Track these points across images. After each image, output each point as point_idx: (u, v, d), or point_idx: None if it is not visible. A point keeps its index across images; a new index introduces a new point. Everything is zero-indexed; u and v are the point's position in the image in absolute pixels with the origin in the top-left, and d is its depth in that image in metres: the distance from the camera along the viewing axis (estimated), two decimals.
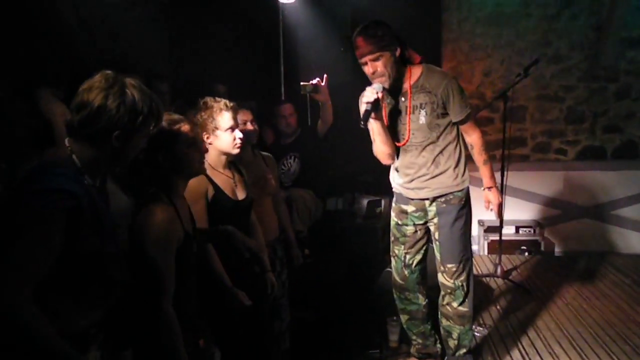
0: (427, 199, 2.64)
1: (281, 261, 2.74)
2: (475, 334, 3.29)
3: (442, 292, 2.73)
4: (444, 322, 2.77)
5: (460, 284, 2.67)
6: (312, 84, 3.41)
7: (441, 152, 2.59)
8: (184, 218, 1.76)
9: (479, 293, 3.94)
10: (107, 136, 1.37)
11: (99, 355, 1.43)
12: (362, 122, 2.41)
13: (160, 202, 1.67)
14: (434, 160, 2.59)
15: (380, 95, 2.41)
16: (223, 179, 2.28)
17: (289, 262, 2.89)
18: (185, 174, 1.81)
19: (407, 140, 2.59)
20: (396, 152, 2.66)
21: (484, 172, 2.73)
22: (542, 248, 4.85)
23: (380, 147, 2.62)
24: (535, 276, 4.32)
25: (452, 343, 2.76)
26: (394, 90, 2.55)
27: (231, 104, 2.25)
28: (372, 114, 2.43)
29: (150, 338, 1.59)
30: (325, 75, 3.46)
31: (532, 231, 4.87)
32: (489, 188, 2.75)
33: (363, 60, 2.42)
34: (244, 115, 2.59)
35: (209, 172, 2.22)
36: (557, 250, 5.01)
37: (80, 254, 1.32)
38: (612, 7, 4.66)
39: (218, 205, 2.21)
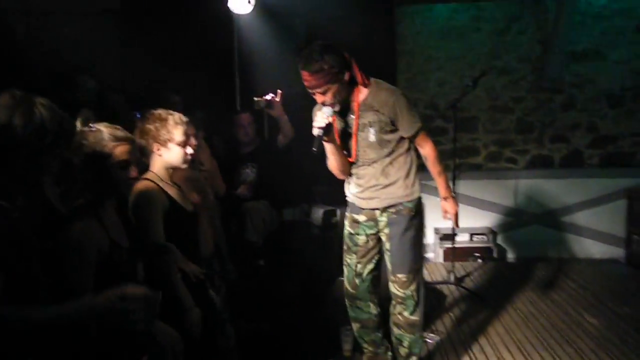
0: (378, 209, 2.67)
1: (219, 276, 2.74)
2: (428, 340, 3.35)
3: (393, 302, 2.77)
4: (395, 330, 2.80)
5: (410, 293, 2.71)
6: (265, 99, 3.44)
7: (391, 163, 2.62)
8: (111, 228, 1.77)
9: (432, 300, 4.02)
10: (14, 156, 1.34)
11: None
12: (313, 148, 2.43)
13: (82, 216, 1.69)
14: (382, 170, 2.62)
15: (331, 119, 2.44)
16: (174, 191, 2.28)
17: (225, 277, 2.88)
18: (109, 194, 1.82)
19: (355, 157, 2.64)
20: (349, 165, 2.70)
21: (439, 182, 2.76)
22: (495, 255, 4.99)
23: (333, 164, 2.66)
24: (487, 282, 4.44)
25: (403, 351, 2.80)
26: (343, 108, 2.57)
27: (185, 119, 2.27)
28: (324, 137, 2.45)
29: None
30: (279, 91, 3.49)
31: (485, 238, 5.00)
32: (445, 198, 2.78)
33: (311, 91, 2.45)
34: (190, 130, 2.58)
35: (160, 183, 2.22)
36: (509, 256, 5.16)
37: None
38: (556, 22, 4.86)
39: (173, 218, 2.20)
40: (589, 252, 5.06)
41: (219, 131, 3.75)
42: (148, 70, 4.33)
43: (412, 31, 5.13)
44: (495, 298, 4.07)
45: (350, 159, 2.67)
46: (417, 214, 2.69)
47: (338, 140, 2.63)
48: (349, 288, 2.84)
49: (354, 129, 2.59)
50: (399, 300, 2.73)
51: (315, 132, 2.43)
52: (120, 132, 1.79)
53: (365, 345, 2.94)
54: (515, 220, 5.15)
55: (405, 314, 2.73)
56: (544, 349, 3.24)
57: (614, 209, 5.03)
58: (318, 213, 4.15)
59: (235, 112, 4.10)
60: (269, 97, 3.50)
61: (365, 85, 2.56)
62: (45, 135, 1.36)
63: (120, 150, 1.76)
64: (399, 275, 2.69)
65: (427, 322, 3.58)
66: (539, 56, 5.04)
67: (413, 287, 2.71)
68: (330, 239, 4.03)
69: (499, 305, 3.92)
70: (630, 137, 5.10)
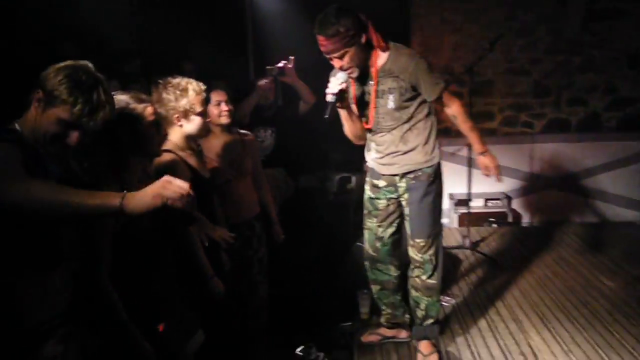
0: (397, 174, 2.68)
1: (259, 239, 2.78)
2: (443, 304, 3.40)
3: (412, 265, 2.81)
4: (413, 293, 2.85)
5: (428, 257, 2.74)
6: (277, 67, 3.43)
7: (410, 129, 2.61)
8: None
9: (448, 265, 4.04)
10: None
11: (61, 349, 1.45)
12: (325, 115, 2.42)
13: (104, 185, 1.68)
14: (401, 137, 2.61)
15: (344, 86, 2.42)
16: (193, 160, 2.30)
17: (270, 239, 2.93)
18: (142, 154, 1.82)
19: (372, 124, 2.63)
20: (367, 132, 2.69)
21: (473, 138, 2.70)
22: (510, 219, 4.99)
23: (349, 131, 2.66)
24: (502, 247, 4.46)
25: (419, 313, 2.85)
26: (361, 73, 2.53)
27: (204, 88, 2.24)
28: (338, 104, 2.44)
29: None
30: (291, 58, 3.47)
31: (500, 203, 5.00)
32: (482, 153, 2.71)
33: (328, 56, 2.41)
34: (219, 96, 2.61)
35: (180, 154, 2.23)
36: (524, 221, 5.16)
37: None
38: None
39: (195, 186, 2.22)
40: (605, 216, 5.04)
41: (235, 101, 3.75)
42: (161, 38, 4.32)
43: None
44: (510, 262, 4.10)
45: (367, 126, 2.66)
46: (435, 179, 2.69)
47: (356, 107, 2.62)
48: (370, 251, 2.87)
49: (372, 96, 2.57)
50: (417, 264, 2.76)
51: (328, 98, 2.41)
52: (142, 95, 1.80)
53: (383, 308, 2.99)
54: (531, 185, 5.13)
55: (423, 277, 2.77)
56: (559, 311, 3.27)
57: (631, 172, 4.98)
58: (333, 180, 4.17)
59: (249, 81, 4.09)
60: (281, 64, 3.48)
61: (383, 49, 2.52)
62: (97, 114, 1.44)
63: (148, 112, 1.76)
64: (417, 240, 2.72)
65: (443, 286, 3.62)
66: (557, 16, 4.91)
67: (431, 251, 2.74)
68: (346, 205, 4.06)
69: (515, 269, 3.95)
70: None
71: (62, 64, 1.45)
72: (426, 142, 2.63)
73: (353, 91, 2.62)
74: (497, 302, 3.44)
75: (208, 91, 2.35)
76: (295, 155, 3.85)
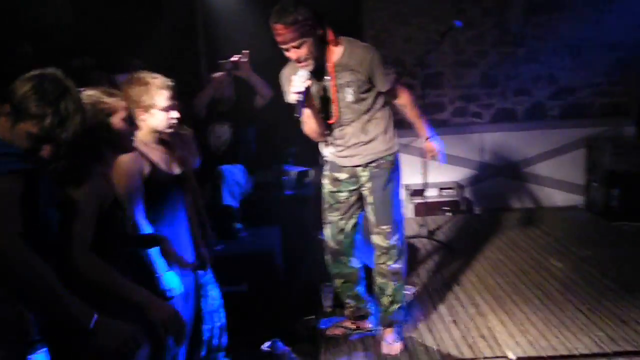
0: (360, 165, 2.71)
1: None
2: (406, 292, 3.46)
3: (378, 252, 2.82)
4: (379, 280, 2.86)
5: (394, 243, 2.77)
6: (230, 61, 3.38)
7: (369, 120, 2.66)
8: (113, 183, 1.78)
9: (407, 254, 4.13)
10: None
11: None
12: (296, 114, 2.43)
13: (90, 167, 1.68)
14: (362, 128, 2.65)
15: (309, 82, 2.42)
16: (157, 154, 2.23)
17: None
18: (118, 149, 1.80)
19: (336, 118, 2.64)
20: (327, 127, 2.69)
21: (420, 125, 2.86)
22: (463, 207, 5.14)
23: (311, 128, 2.64)
24: (458, 234, 4.59)
25: (385, 300, 2.86)
26: (316, 69, 2.53)
27: (169, 83, 2.18)
28: (305, 103, 2.44)
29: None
30: (244, 52, 3.43)
31: (454, 192, 5.14)
32: (428, 138, 2.88)
33: (285, 47, 2.40)
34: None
35: (142, 148, 2.16)
36: (477, 208, 5.33)
37: None
38: None
39: (154, 181, 2.16)
40: (551, 201, 5.28)
41: (186, 95, 3.67)
42: (106, 35, 4.17)
43: None
44: (466, 248, 4.22)
45: (330, 121, 2.67)
46: (396, 166, 2.76)
47: (315, 104, 2.62)
48: (333, 245, 2.88)
49: (332, 90, 2.58)
50: (384, 250, 2.78)
51: (294, 97, 2.41)
52: (111, 90, 1.79)
53: (347, 301, 3.01)
54: (481, 174, 5.30)
55: (389, 263, 2.79)
56: (514, 293, 3.40)
57: (574, 158, 5.23)
58: (291, 174, 4.16)
59: (200, 75, 4.02)
60: (234, 58, 3.44)
61: (337, 44, 2.54)
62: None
63: (121, 106, 1.75)
64: (383, 227, 2.74)
65: None
66: (501, 9, 5.08)
67: (396, 236, 2.77)
68: (305, 199, 4.06)
69: (470, 255, 4.08)
70: (588, 88, 5.26)
71: (28, 75, 1.39)
72: (385, 132, 2.69)
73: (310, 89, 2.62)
74: (455, 288, 3.54)
75: None
76: (253, 150, 3.82)
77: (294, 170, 4.16)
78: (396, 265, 2.82)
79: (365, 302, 3.02)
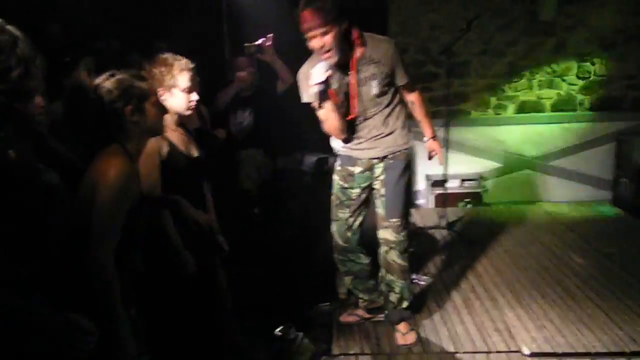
0: (378, 157, 2.70)
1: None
2: (420, 282, 3.44)
3: (386, 248, 2.79)
4: (388, 277, 2.84)
5: (402, 237, 2.76)
6: (256, 44, 3.37)
7: (390, 113, 2.66)
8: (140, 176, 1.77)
9: (425, 244, 4.11)
10: None
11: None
12: (318, 104, 2.44)
13: (121, 155, 1.65)
14: (384, 121, 2.65)
15: (330, 72, 2.40)
16: (176, 135, 2.25)
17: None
18: (149, 133, 1.82)
19: (356, 114, 2.62)
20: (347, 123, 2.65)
21: (427, 123, 2.85)
22: (485, 200, 5.06)
23: (333, 125, 2.59)
24: (478, 227, 4.52)
25: (394, 297, 2.85)
26: (339, 65, 2.51)
27: (192, 65, 2.21)
28: (326, 95, 2.44)
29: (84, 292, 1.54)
30: (270, 35, 3.41)
31: (476, 184, 5.06)
32: (433, 137, 2.88)
33: (311, 34, 2.37)
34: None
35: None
36: (499, 201, 5.23)
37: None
38: None
39: (172, 163, 2.18)
40: (578, 196, 5.14)
41: (210, 82, 3.68)
42: (131, 17, 4.19)
43: None
44: (485, 241, 4.16)
45: (351, 116, 2.62)
46: (410, 160, 2.77)
47: (337, 100, 2.58)
48: (341, 242, 2.88)
49: (353, 85, 2.56)
50: (392, 245, 2.76)
51: (316, 89, 2.39)
52: (141, 73, 1.82)
53: (360, 295, 3.01)
54: (505, 166, 5.20)
55: (398, 260, 2.78)
56: (532, 288, 3.35)
57: (603, 152, 5.09)
58: (310, 161, 4.15)
59: (224, 60, 4.03)
60: (259, 42, 3.43)
61: (360, 41, 2.53)
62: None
63: (152, 89, 1.79)
64: (393, 220, 2.73)
65: (419, 265, 3.69)
66: None
67: (405, 231, 2.77)
68: (323, 186, 4.05)
69: (490, 248, 4.02)
70: (620, 81, 5.09)
71: None
72: (404, 126, 2.71)
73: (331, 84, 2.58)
74: (472, 280, 3.50)
75: None
76: (273, 136, 3.81)
77: (313, 157, 4.15)
78: (404, 262, 2.80)
79: (378, 294, 3.00)
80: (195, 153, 2.31)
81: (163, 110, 1.88)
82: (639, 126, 5.01)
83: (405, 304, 2.87)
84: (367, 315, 3.06)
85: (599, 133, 5.07)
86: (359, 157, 2.73)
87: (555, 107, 5.19)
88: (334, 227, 2.89)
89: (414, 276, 3.49)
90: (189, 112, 2.28)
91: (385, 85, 2.59)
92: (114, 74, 1.72)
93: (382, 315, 3.03)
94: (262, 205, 3.72)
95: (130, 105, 1.69)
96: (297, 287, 3.33)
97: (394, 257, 2.78)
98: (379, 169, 2.72)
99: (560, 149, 5.13)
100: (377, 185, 2.76)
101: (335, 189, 2.84)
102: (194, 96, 2.24)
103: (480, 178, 5.10)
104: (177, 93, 2.19)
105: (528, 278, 3.49)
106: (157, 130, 1.87)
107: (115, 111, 1.68)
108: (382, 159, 2.70)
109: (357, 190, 2.78)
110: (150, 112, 1.77)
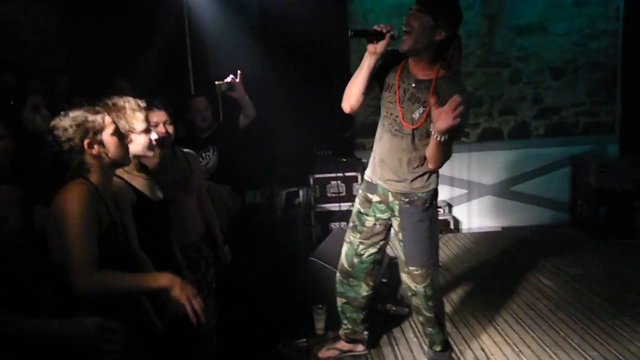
0: (390, 191, 2.57)
1: (206, 261, 2.66)
2: (395, 311, 3.42)
3: (409, 293, 2.72)
4: (419, 318, 2.80)
5: (422, 289, 2.61)
6: (226, 82, 3.35)
7: (417, 156, 2.48)
8: (110, 205, 1.74)
9: (396, 273, 4.08)
10: None
11: None
12: (358, 30, 2.34)
13: (79, 184, 1.65)
14: (408, 161, 2.49)
15: (393, 32, 2.26)
16: (141, 181, 2.17)
17: (217, 261, 2.81)
18: (115, 164, 1.78)
19: (422, 123, 2.40)
20: (362, 96, 2.43)
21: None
22: (452, 226, 5.14)
23: (354, 88, 2.42)
24: (448, 253, 4.57)
25: (427, 339, 2.85)
26: (414, 77, 2.41)
27: (143, 104, 2.10)
28: (374, 41, 2.30)
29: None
30: (239, 72, 3.41)
31: (442, 211, 5.14)
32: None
33: (414, 7, 2.30)
34: (158, 117, 2.42)
35: (125, 177, 2.11)
36: (465, 227, 5.33)
37: None
38: None
39: (142, 210, 2.10)
40: (539, 219, 5.30)
41: (179, 116, 3.63)
42: (91, 54, 4.12)
43: (363, 8, 5.12)
44: (456, 268, 4.21)
45: (411, 126, 2.42)
46: (430, 205, 2.57)
47: (398, 99, 2.44)
48: (345, 265, 2.80)
49: (397, 95, 2.43)
50: (411, 293, 2.68)
51: (377, 27, 2.28)
52: (95, 107, 1.78)
53: (344, 322, 2.94)
54: (469, 192, 5.32)
55: (422, 310, 2.69)
56: (507, 314, 3.38)
57: (559, 176, 5.29)
58: (280, 195, 4.12)
59: (190, 96, 3.98)
60: (229, 79, 3.42)
61: (453, 73, 2.38)
62: None
63: (107, 121, 1.75)
64: (412, 268, 2.60)
65: (393, 294, 3.67)
66: (487, 31, 5.16)
67: (426, 282, 2.59)
68: (294, 220, 4.02)
69: (461, 275, 4.06)
70: (572, 108, 5.34)
71: None
72: (425, 172, 2.51)
73: (397, 82, 2.45)
74: (447, 308, 3.50)
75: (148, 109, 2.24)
76: (240, 171, 3.76)
77: (283, 191, 4.12)
78: (427, 314, 2.68)
79: (363, 328, 2.94)
80: (160, 195, 2.25)
81: (123, 139, 1.81)
82: (591, 150, 5.24)
83: (437, 348, 2.80)
84: (347, 347, 2.99)
85: (555, 158, 5.28)
86: (376, 182, 2.61)
87: (512, 134, 5.38)
88: (343, 248, 2.81)
89: (388, 306, 3.48)
90: (151, 154, 2.19)
91: (429, 122, 2.32)
92: (67, 113, 1.70)
93: (360, 347, 2.98)
94: (231, 244, 3.64)
95: (87, 140, 1.67)
96: (274, 323, 3.25)
97: (418, 304, 2.69)
98: (396, 208, 2.58)
99: (519, 174, 5.30)
100: (395, 225, 2.62)
101: (354, 211, 2.77)
102: (153, 135, 2.14)
103: (446, 205, 5.18)
104: (135, 137, 2.07)
105: (501, 303, 3.53)
106: (122, 159, 1.80)
107: (73, 148, 1.66)
108: (395, 197, 2.56)
109: (371, 219, 2.67)
110: (110, 143, 1.73)
